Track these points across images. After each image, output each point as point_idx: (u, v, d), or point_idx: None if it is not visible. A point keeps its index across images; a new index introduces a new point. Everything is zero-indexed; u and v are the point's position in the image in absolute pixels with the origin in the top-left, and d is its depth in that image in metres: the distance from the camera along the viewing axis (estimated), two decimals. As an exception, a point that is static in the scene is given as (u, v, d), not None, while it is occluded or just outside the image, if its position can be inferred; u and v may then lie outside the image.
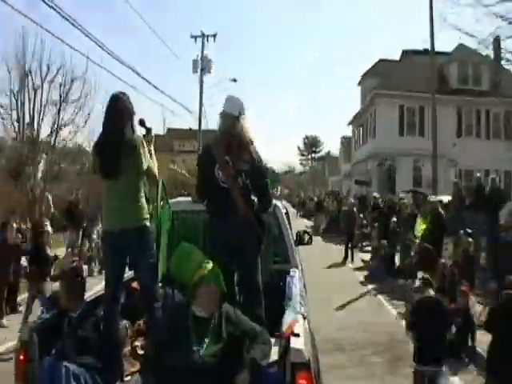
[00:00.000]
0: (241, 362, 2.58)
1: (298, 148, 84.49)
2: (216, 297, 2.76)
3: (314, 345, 3.15)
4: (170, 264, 3.07)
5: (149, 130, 3.54)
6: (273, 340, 3.03)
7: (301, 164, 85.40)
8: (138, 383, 3.10)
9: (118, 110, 3.28)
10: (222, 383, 2.53)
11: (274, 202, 4.77)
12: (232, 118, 3.42)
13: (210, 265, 2.85)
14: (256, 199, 3.48)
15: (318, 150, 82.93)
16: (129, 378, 3.15)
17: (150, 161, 3.33)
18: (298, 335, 2.62)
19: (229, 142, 3.39)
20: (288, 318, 2.90)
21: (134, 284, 3.85)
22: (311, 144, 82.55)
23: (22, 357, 2.78)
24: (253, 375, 2.55)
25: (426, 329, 4.18)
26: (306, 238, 5.69)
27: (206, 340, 2.63)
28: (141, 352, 3.38)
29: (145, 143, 3.34)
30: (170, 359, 2.58)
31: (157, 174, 3.43)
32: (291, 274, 3.94)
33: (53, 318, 3.15)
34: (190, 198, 4.81)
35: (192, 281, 2.79)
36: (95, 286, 3.89)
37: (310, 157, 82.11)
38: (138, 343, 3.50)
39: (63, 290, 3.32)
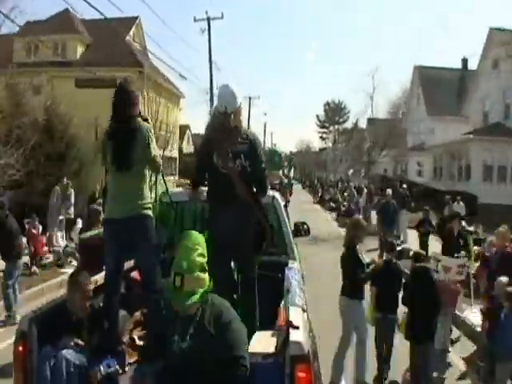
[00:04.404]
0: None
1: (317, 118, 64.67)
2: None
3: (313, 336, 3.18)
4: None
5: (146, 120, 3.52)
6: (270, 332, 3.06)
7: (321, 138, 65.37)
8: (136, 373, 3.11)
9: (128, 99, 3.26)
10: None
11: (273, 193, 4.79)
12: (220, 115, 3.45)
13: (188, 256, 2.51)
14: (254, 184, 3.52)
15: (341, 120, 61.24)
16: (127, 368, 3.16)
17: (156, 149, 3.33)
18: (297, 328, 2.63)
19: (220, 135, 3.44)
20: (284, 310, 2.92)
21: (134, 274, 3.86)
22: (334, 112, 62.67)
23: (21, 348, 2.76)
24: None
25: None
26: (304, 229, 5.70)
27: (189, 334, 2.48)
28: (139, 342, 3.39)
29: (151, 131, 3.34)
30: (165, 351, 2.54)
31: (160, 163, 3.43)
32: (290, 266, 3.95)
33: (53, 308, 3.13)
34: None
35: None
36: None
37: (332, 129, 61.48)
38: (136, 334, 3.52)
39: (73, 289, 3.26)
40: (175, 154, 26.84)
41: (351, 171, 41.05)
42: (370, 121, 36.06)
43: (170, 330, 2.52)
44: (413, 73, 32.49)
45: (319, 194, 33.22)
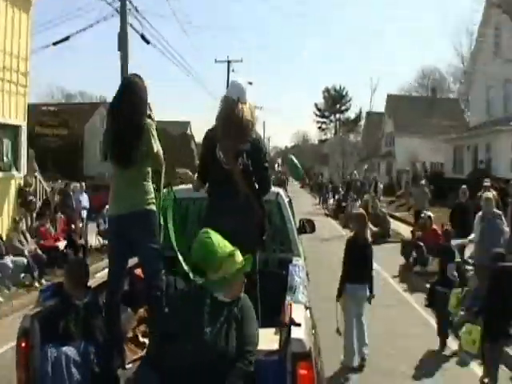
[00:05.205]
0: None
1: (316, 106, 58.45)
2: (242, 284, 2.77)
3: (316, 333, 3.15)
4: (193, 252, 2.90)
5: (149, 115, 3.51)
6: (273, 329, 3.03)
7: (319, 129, 59.09)
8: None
9: (133, 96, 3.24)
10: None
11: (277, 190, 4.76)
12: (231, 102, 3.43)
13: (240, 255, 2.76)
14: (256, 182, 3.50)
15: (343, 108, 55.48)
16: (130, 365, 3.16)
17: (158, 145, 3.33)
18: (299, 325, 2.61)
19: (229, 124, 3.40)
20: (287, 306, 2.89)
21: (137, 271, 3.86)
22: (334, 100, 56.02)
23: (23, 344, 2.78)
24: None
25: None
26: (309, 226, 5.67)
27: (220, 320, 2.59)
28: (142, 339, 3.40)
29: (154, 127, 3.33)
30: (176, 348, 2.52)
31: (162, 159, 3.42)
32: (294, 262, 3.93)
33: (55, 305, 3.15)
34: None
35: (223, 269, 2.67)
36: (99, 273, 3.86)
37: (333, 118, 54.76)
38: (139, 330, 3.52)
39: (67, 277, 3.31)
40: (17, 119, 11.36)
41: (366, 166, 35.56)
42: (391, 98, 29.34)
43: (199, 319, 2.56)
44: (484, 13, 19.21)
45: (329, 199, 25.00)
